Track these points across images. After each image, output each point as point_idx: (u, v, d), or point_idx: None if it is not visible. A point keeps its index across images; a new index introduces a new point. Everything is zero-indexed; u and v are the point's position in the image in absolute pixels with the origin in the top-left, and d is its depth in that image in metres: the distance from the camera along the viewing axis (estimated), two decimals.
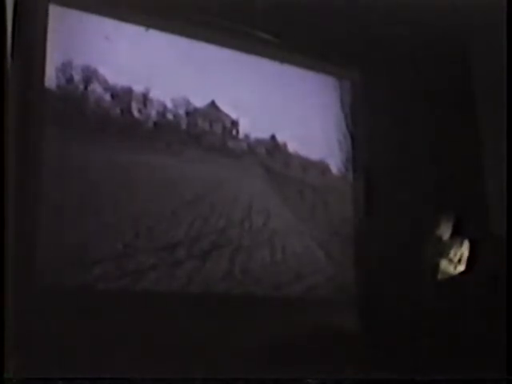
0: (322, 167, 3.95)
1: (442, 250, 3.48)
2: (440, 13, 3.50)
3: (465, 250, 3.44)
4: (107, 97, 3.29)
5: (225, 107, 3.65)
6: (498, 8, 3.06)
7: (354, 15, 3.50)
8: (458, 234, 3.49)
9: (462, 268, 3.40)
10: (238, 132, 3.72)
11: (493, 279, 3.13)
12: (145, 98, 3.38)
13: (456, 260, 3.43)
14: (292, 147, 3.85)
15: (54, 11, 3.02)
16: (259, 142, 3.77)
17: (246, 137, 3.74)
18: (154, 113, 3.43)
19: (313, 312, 3.42)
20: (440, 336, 3.15)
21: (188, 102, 3.52)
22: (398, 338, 3.22)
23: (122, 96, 3.33)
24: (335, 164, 3.97)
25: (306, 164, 3.91)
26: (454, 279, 3.38)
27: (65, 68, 3.12)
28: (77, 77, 3.17)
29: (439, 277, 3.43)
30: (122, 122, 3.35)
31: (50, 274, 2.84)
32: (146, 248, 3.19)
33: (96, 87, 3.24)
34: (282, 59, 3.77)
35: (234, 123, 3.71)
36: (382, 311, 3.46)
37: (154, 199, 3.29)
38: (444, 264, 3.44)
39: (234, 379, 2.68)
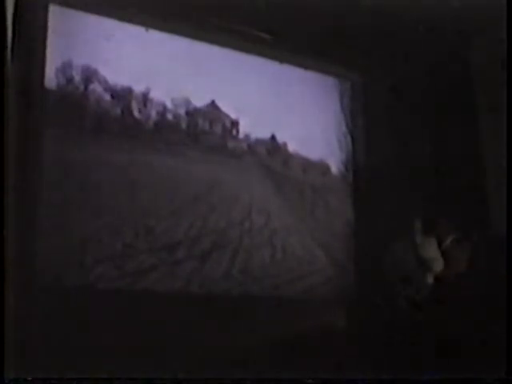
0: (322, 167, 3.95)
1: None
2: (440, 13, 3.50)
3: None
4: (107, 97, 3.29)
5: (225, 107, 3.65)
6: (498, 8, 3.06)
7: (354, 15, 3.50)
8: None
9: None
10: (238, 132, 3.72)
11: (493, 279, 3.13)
12: (145, 98, 3.39)
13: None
14: (292, 147, 3.84)
15: (54, 11, 3.02)
16: (259, 141, 3.77)
17: (246, 137, 3.74)
18: (153, 113, 3.43)
19: (313, 312, 3.42)
20: (440, 336, 3.15)
21: (188, 102, 3.52)
22: (398, 338, 3.22)
23: (122, 96, 3.33)
24: (335, 164, 3.97)
25: (306, 164, 3.91)
26: (454, 279, 3.38)
27: (65, 68, 3.12)
28: (77, 77, 3.17)
29: (439, 277, 3.43)
30: (121, 121, 3.35)
31: (50, 274, 2.85)
32: (145, 248, 3.20)
33: (96, 87, 3.24)
34: (282, 59, 3.78)
35: (234, 123, 3.71)
36: (381, 311, 3.45)
37: (154, 199, 3.30)
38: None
39: (233, 379, 2.68)
